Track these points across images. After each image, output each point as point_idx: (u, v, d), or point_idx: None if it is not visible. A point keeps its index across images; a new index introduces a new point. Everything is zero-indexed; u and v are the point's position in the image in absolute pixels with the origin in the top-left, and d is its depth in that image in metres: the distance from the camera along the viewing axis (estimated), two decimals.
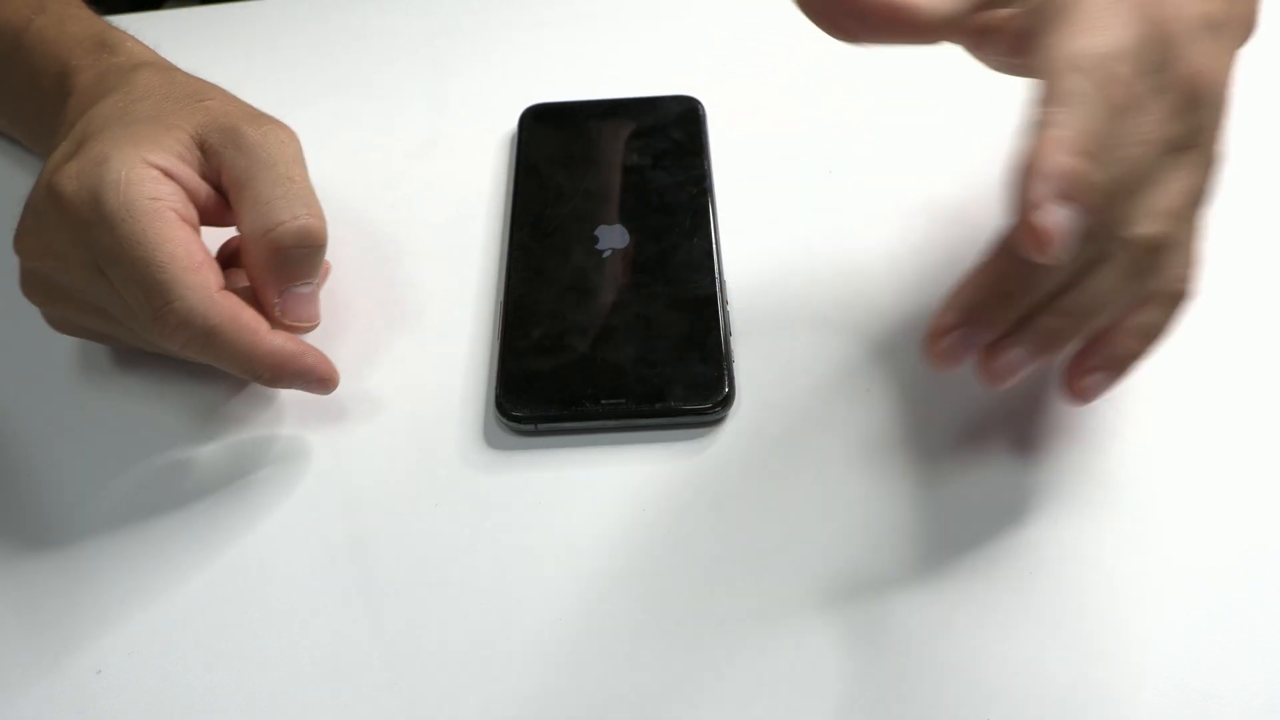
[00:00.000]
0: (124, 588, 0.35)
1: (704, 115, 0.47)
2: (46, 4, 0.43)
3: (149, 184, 0.34)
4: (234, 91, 0.51)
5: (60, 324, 0.38)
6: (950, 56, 0.50)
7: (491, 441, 0.38)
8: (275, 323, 0.36)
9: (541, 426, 0.37)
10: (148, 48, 0.42)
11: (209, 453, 0.38)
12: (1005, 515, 0.35)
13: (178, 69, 0.41)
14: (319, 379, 0.36)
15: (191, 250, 0.34)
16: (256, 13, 0.55)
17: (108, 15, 0.55)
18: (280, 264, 0.35)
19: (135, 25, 0.55)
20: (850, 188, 0.45)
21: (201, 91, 0.39)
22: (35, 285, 0.36)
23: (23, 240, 0.35)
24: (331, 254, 0.42)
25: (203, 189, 0.36)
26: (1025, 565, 0.33)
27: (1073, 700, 0.31)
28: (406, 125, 0.49)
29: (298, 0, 0.55)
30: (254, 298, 0.36)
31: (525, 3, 0.55)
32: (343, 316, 0.41)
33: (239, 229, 0.36)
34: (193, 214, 0.35)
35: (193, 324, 0.33)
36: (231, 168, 0.35)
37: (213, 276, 0.34)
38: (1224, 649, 0.32)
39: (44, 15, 0.42)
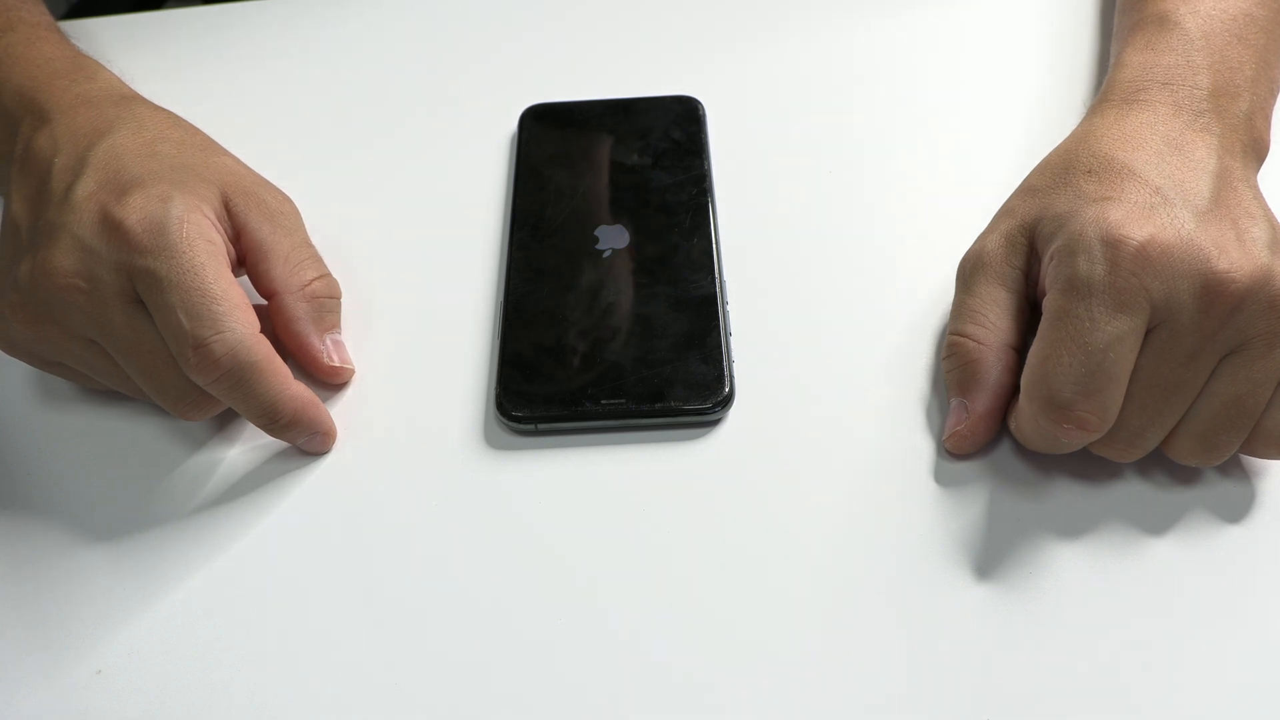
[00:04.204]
0: (124, 588, 0.35)
1: (704, 115, 0.47)
2: (17, 24, 0.43)
3: (206, 227, 0.36)
4: (235, 91, 0.51)
5: (13, 347, 0.37)
6: (948, 58, 0.50)
7: (491, 441, 0.38)
8: (323, 368, 0.39)
9: (541, 426, 0.37)
10: (119, 78, 0.42)
11: (209, 453, 0.38)
12: (1005, 515, 0.35)
13: (160, 106, 0.41)
14: (324, 431, 0.37)
15: (240, 293, 0.35)
16: (256, 13, 0.55)
17: (109, 15, 0.55)
18: (318, 313, 0.39)
19: (136, 25, 0.55)
20: (850, 188, 0.45)
21: (209, 145, 0.41)
22: (34, 306, 0.35)
23: (53, 260, 0.35)
24: (333, 255, 0.42)
25: (229, 244, 0.38)
26: (1025, 565, 0.33)
27: (1073, 700, 0.31)
28: (407, 125, 0.49)
29: (297, 0, 0.55)
30: (291, 348, 0.39)
31: (525, 2, 0.55)
32: (343, 317, 0.41)
33: (267, 286, 0.38)
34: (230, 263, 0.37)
35: (236, 356, 0.34)
36: (256, 231, 0.38)
37: (254, 321, 0.35)
38: (1224, 649, 0.32)
39: (13, 33, 0.43)
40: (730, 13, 0.53)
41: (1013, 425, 0.35)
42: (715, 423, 0.38)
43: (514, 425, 0.37)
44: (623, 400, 0.37)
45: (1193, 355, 0.32)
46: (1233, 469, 0.35)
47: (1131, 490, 0.35)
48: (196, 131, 0.41)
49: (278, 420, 0.36)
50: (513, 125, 0.48)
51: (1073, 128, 0.39)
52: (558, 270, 0.41)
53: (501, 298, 0.41)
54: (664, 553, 0.34)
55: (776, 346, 0.40)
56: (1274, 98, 0.40)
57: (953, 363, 0.36)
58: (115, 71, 0.43)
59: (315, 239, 0.41)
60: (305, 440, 0.37)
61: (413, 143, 0.48)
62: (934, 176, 0.45)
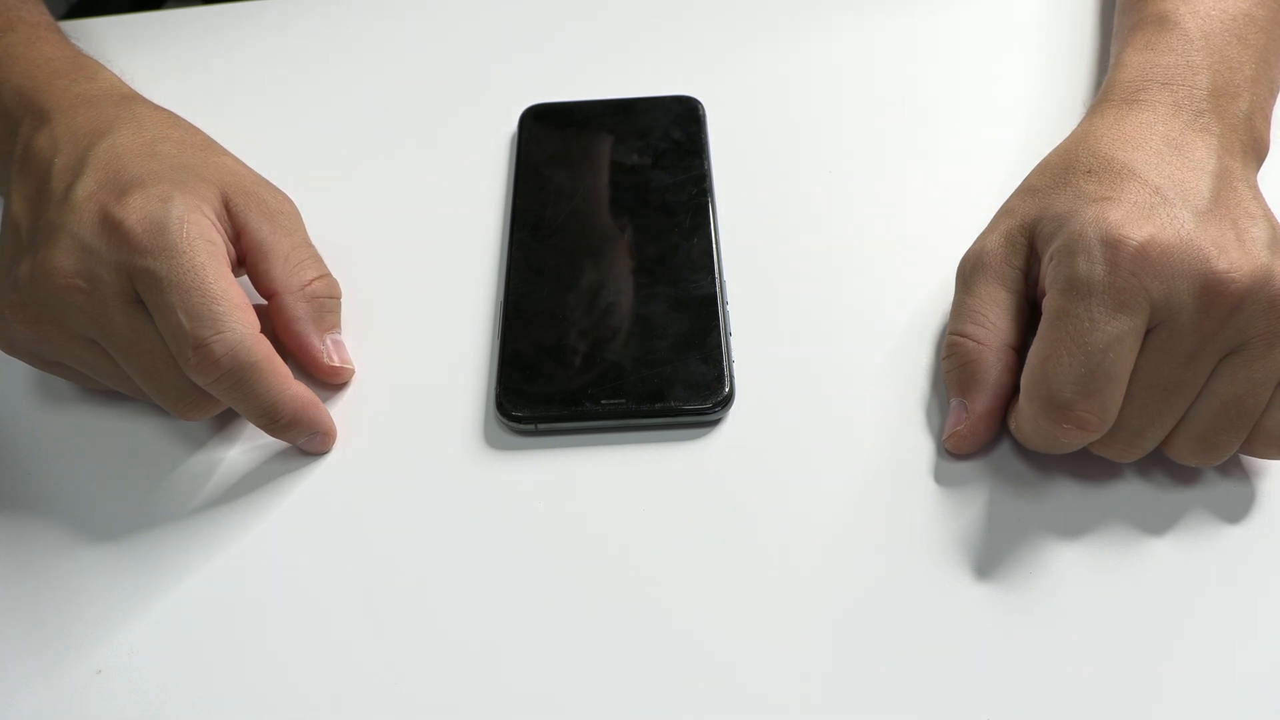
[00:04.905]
0: (124, 588, 0.35)
1: (704, 115, 0.47)
2: (17, 24, 0.43)
3: (206, 227, 0.36)
4: (235, 92, 0.51)
5: (13, 347, 0.37)
6: (948, 58, 0.50)
7: (491, 441, 0.38)
8: (323, 368, 0.39)
9: (541, 426, 0.37)
10: (119, 78, 0.42)
11: (209, 453, 0.38)
12: (1005, 515, 0.35)
13: (160, 106, 0.42)
14: (324, 431, 0.37)
15: (240, 293, 0.35)
16: (256, 13, 0.55)
17: (109, 15, 0.55)
18: (318, 313, 0.39)
19: (136, 25, 0.55)
20: (850, 188, 0.45)
21: (209, 144, 0.41)
22: (34, 306, 0.35)
23: (53, 260, 0.34)
24: (333, 255, 0.42)
25: (229, 244, 0.38)
26: (1025, 565, 0.33)
27: (1073, 700, 0.31)
28: (407, 125, 0.49)
29: (297, 0, 0.55)
30: (291, 348, 0.39)
31: (525, 2, 0.55)
32: (343, 317, 0.41)
33: (267, 285, 0.38)
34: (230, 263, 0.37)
35: (236, 356, 0.34)
36: (256, 231, 0.38)
37: (254, 321, 0.35)
38: (1224, 649, 0.32)
39: (13, 33, 0.43)
40: (730, 13, 0.53)
41: (1013, 425, 0.35)
42: (715, 423, 0.38)
43: (514, 425, 0.37)
44: (623, 400, 0.37)
45: (1192, 355, 0.32)
46: (1233, 469, 0.35)
47: (1131, 490, 0.35)
48: (197, 131, 0.41)
49: (278, 420, 0.36)
50: (513, 125, 0.48)
51: (1073, 128, 0.39)
52: (558, 270, 0.41)
53: (501, 298, 0.41)
54: (664, 552, 0.34)
55: (776, 347, 0.40)
56: (1274, 98, 0.40)
57: (952, 363, 0.36)
58: (115, 71, 0.43)
59: (315, 239, 0.41)
60: (305, 440, 0.37)
61: (413, 143, 0.48)
62: (934, 176, 0.45)
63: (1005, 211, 0.37)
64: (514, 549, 0.35)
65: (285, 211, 0.40)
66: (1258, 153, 0.38)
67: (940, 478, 0.36)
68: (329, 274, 0.40)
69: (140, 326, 0.35)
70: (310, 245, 0.41)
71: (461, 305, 0.42)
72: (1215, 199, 0.33)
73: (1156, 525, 0.34)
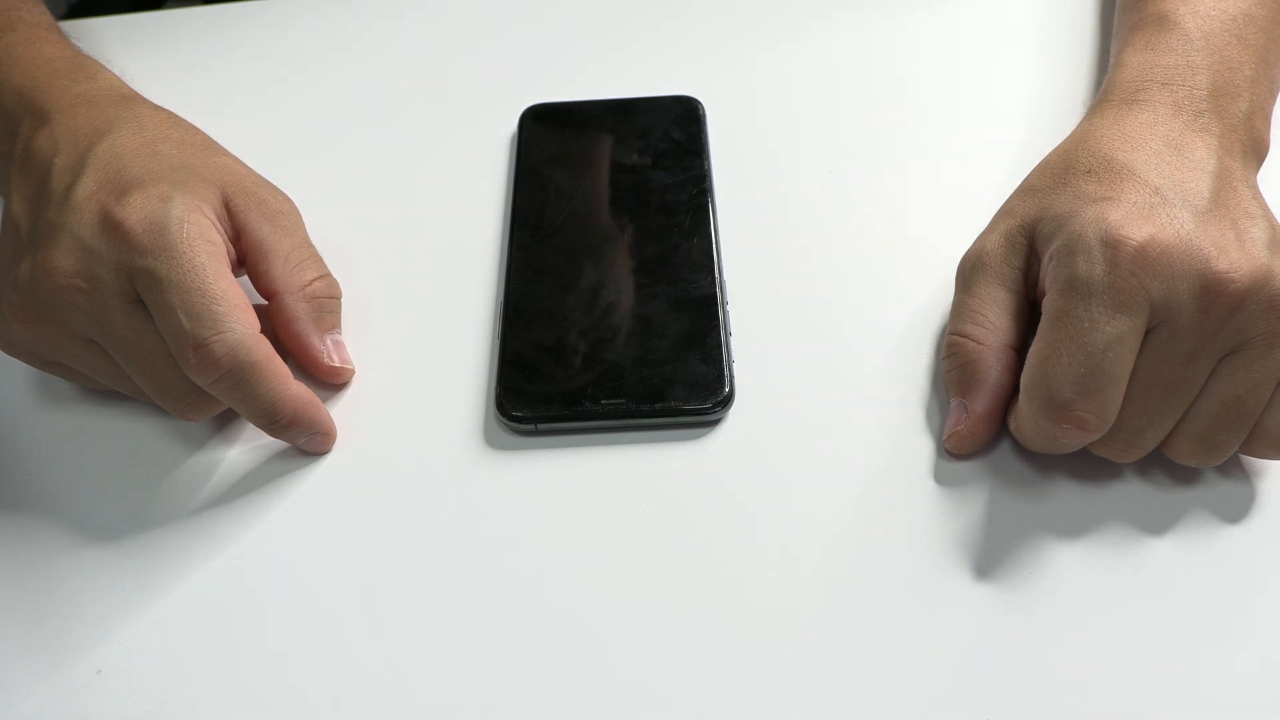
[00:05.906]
0: (124, 588, 0.35)
1: (704, 115, 0.47)
2: (17, 24, 0.43)
3: (206, 227, 0.36)
4: (236, 92, 0.51)
5: (13, 347, 0.37)
6: (948, 58, 0.50)
7: (491, 441, 0.38)
8: (323, 368, 0.39)
9: (541, 426, 0.37)
10: (119, 78, 0.43)
11: (209, 453, 0.38)
12: (1005, 515, 0.35)
13: (160, 106, 0.42)
14: (324, 431, 0.37)
15: (240, 293, 0.35)
16: (256, 13, 0.55)
17: (109, 15, 0.56)
18: (318, 314, 0.39)
19: (136, 25, 0.55)
20: (850, 188, 0.45)
21: (209, 144, 0.41)
22: (34, 305, 0.35)
23: (53, 260, 0.34)
24: (333, 255, 0.42)
25: (229, 244, 0.38)
26: (1025, 565, 0.33)
27: (1073, 700, 0.31)
28: (407, 125, 0.49)
29: (297, 0, 0.55)
30: (291, 348, 0.39)
31: (525, 2, 0.55)
32: (343, 317, 0.41)
33: (267, 286, 0.38)
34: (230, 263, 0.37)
35: (237, 357, 0.34)
36: (256, 231, 0.38)
37: (254, 321, 0.35)
38: (1224, 649, 0.32)
39: (13, 33, 0.43)
40: (730, 12, 0.53)
41: (1013, 425, 0.35)
42: (715, 423, 0.38)
43: (514, 425, 0.37)
44: (623, 400, 0.37)
45: (1192, 355, 0.32)
46: (1233, 469, 0.35)
47: (1131, 490, 0.35)
48: (197, 131, 0.41)
49: (278, 420, 0.36)
50: (513, 125, 0.48)
51: (1073, 128, 0.39)
52: (558, 270, 0.41)
53: (501, 298, 0.41)
54: (664, 552, 0.34)
55: (776, 347, 0.40)
56: (1274, 98, 0.40)
57: (952, 363, 0.36)
58: (115, 71, 0.43)
59: (315, 239, 0.41)
60: (305, 440, 0.37)
61: (413, 143, 0.48)
62: (934, 176, 0.45)
63: (1005, 211, 0.37)
64: (514, 549, 0.35)
65: (285, 211, 0.40)
66: (1258, 153, 0.38)
67: (940, 478, 0.36)
68: (329, 274, 0.40)
69: (140, 326, 0.35)
70: (310, 245, 0.41)
71: (461, 305, 0.42)
72: (1215, 199, 0.34)
73: (1156, 525, 0.34)
